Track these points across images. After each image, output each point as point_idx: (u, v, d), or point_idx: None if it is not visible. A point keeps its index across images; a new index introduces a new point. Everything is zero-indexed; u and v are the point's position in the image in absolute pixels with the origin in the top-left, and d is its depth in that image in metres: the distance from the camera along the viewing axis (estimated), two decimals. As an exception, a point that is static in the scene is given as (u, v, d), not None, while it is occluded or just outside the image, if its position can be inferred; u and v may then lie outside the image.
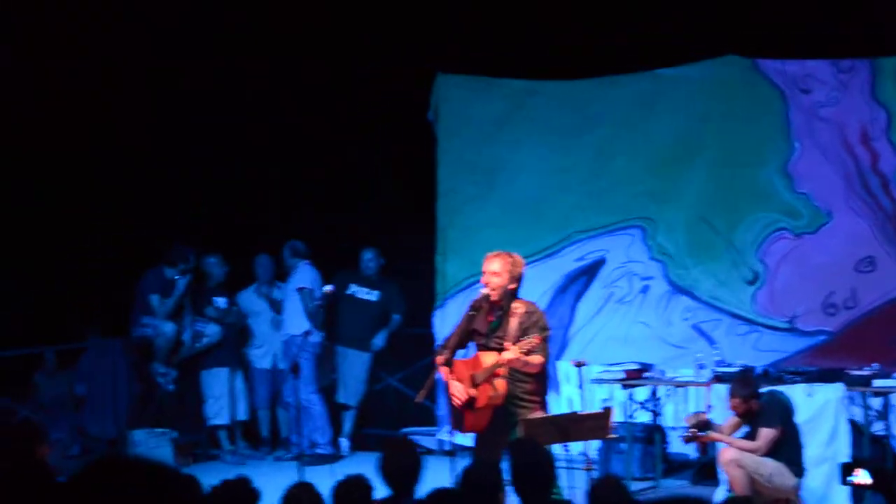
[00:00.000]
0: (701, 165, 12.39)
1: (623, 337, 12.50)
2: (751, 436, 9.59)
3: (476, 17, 12.83)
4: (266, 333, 13.19)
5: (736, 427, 9.78)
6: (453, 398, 8.72)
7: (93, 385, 12.89)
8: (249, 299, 13.27)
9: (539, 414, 8.58)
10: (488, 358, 8.53)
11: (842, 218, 11.97)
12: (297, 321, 12.68)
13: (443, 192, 13.22)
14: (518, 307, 8.65)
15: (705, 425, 9.68)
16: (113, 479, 2.61)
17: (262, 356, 13.22)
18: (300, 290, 12.72)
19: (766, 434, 9.41)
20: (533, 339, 8.32)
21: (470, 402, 8.59)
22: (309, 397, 12.59)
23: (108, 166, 13.57)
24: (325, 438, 12.72)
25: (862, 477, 8.91)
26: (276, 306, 13.12)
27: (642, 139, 12.64)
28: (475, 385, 8.55)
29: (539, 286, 12.60)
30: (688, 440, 9.82)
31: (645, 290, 12.57)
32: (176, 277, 12.68)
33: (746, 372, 10.57)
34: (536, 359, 8.48)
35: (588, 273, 12.83)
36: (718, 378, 10.58)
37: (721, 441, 9.63)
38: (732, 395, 9.60)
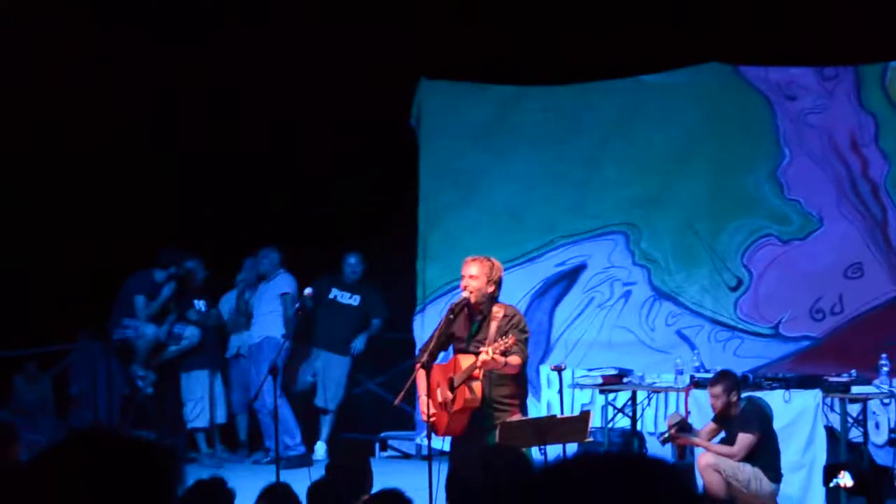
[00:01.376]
0: (689, 172, 12.41)
1: (606, 342, 12.52)
2: (728, 440, 9.57)
3: (459, 24, 12.80)
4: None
5: (714, 433, 9.77)
6: (422, 414, 8.75)
7: (86, 387, 12.89)
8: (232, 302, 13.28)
9: (517, 417, 8.56)
10: (466, 361, 8.51)
11: (833, 224, 12.00)
12: (274, 324, 12.66)
13: (424, 197, 13.23)
14: (498, 311, 8.65)
15: (684, 427, 9.65)
16: (89, 450, 2.58)
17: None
18: (283, 295, 12.73)
19: (744, 439, 9.39)
20: (508, 340, 8.30)
21: (446, 405, 8.57)
22: (277, 401, 12.56)
23: (85, 172, 13.56)
24: (295, 439, 12.69)
25: (845, 479, 8.91)
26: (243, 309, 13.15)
27: (629, 145, 12.66)
28: (453, 388, 8.53)
29: (519, 290, 12.59)
30: (665, 441, 9.80)
31: (626, 295, 12.57)
32: (164, 280, 12.70)
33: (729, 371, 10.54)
34: (514, 360, 8.45)
35: (568, 278, 12.83)
36: (696, 384, 10.55)
37: (698, 446, 9.61)
38: (713, 384, 9.58)
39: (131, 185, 13.69)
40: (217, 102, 13.47)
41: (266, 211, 13.66)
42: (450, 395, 8.56)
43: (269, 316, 12.79)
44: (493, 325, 8.56)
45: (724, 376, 9.71)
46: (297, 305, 12.20)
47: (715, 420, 9.67)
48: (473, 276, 8.67)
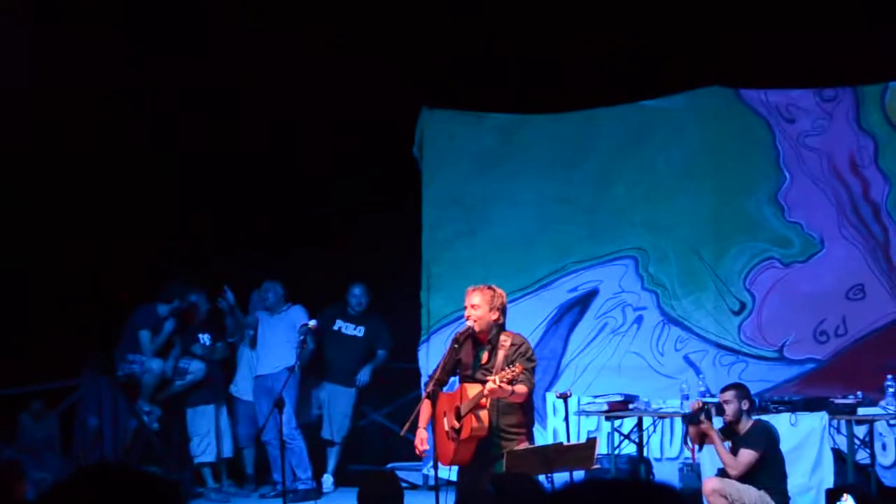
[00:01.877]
0: (691, 196, 12.42)
1: (616, 367, 12.52)
2: (732, 453, 9.54)
3: (459, 53, 12.83)
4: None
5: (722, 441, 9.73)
6: (416, 446, 8.79)
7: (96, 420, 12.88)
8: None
9: (524, 446, 8.56)
10: (473, 390, 8.53)
11: (834, 246, 12.01)
12: (285, 356, 12.61)
13: (427, 226, 13.23)
14: (506, 340, 8.68)
15: (709, 414, 9.59)
16: (98, 486, 2.59)
17: (247, 389, 13.21)
18: (303, 326, 12.72)
19: (746, 455, 9.35)
20: (515, 369, 8.33)
21: (455, 433, 8.58)
22: (291, 433, 12.54)
23: (86, 195, 13.58)
24: (307, 473, 12.67)
25: (847, 503, 8.89)
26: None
27: (636, 170, 12.70)
28: (459, 417, 8.54)
29: (533, 318, 12.62)
30: (688, 420, 9.67)
31: (639, 320, 12.58)
32: (167, 314, 12.71)
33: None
34: (521, 388, 8.48)
35: (581, 303, 12.84)
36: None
37: (711, 437, 9.50)
38: (725, 389, 9.61)
39: (131, 214, 13.69)
40: (216, 131, 13.45)
41: (270, 243, 13.65)
42: (457, 423, 8.57)
43: (284, 346, 12.70)
44: (501, 354, 8.59)
45: (736, 385, 9.78)
46: (300, 338, 12.21)
47: (723, 431, 9.63)
48: (476, 306, 8.71)
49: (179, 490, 4.76)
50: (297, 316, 12.76)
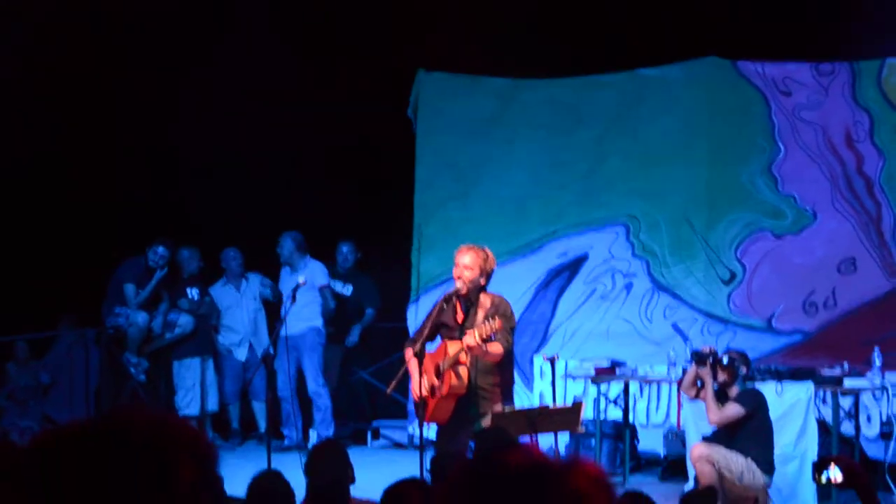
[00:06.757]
0: (685, 165, 12.43)
1: (604, 332, 12.55)
2: None
3: (456, 16, 12.80)
4: (243, 325, 13.16)
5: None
6: (413, 392, 8.72)
7: (63, 374, 12.87)
8: (220, 293, 13.23)
9: (501, 405, 8.54)
10: (453, 347, 8.49)
11: (827, 219, 12.04)
12: (311, 315, 12.60)
13: (420, 188, 13.22)
14: (485, 300, 8.62)
15: (716, 361, 9.51)
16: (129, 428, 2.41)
17: (239, 347, 13.19)
18: (322, 289, 12.69)
19: (733, 408, 9.28)
20: (494, 323, 8.26)
21: (433, 391, 8.55)
22: (318, 390, 12.62)
23: (80, 157, 13.53)
24: (329, 431, 12.65)
25: (834, 473, 8.88)
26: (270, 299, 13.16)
27: (631, 138, 12.69)
28: (439, 374, 8.51)
29: (522, 282, 12.63)
30: (696, 356, 9.60)
31: (628, 287, 12.60)
32: (154, 264, 12.69)
33: None
34: (496, 347, 8.41)
35: (571, 268, 12.85)
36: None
37: (705, 382, 9.43)
38: (730, 352, 9.60)
39: (124, 173, 13.66)
40: (207, 91, 13.42)
41: (262, 202, 13.62)
42: (436, 381, 8.54)
43: (304, 308, 12.54)
44: (480, 314, 8.53)
45: (740, 351, 9.76)
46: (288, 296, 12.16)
47: (716, 394, 9.55)
48: (468, 267, 8.62)
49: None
50: (312, 275, 12.63)
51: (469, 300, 8.64)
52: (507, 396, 8.71)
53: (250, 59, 13.38)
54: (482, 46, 12.89)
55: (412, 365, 8.75)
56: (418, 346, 8.67)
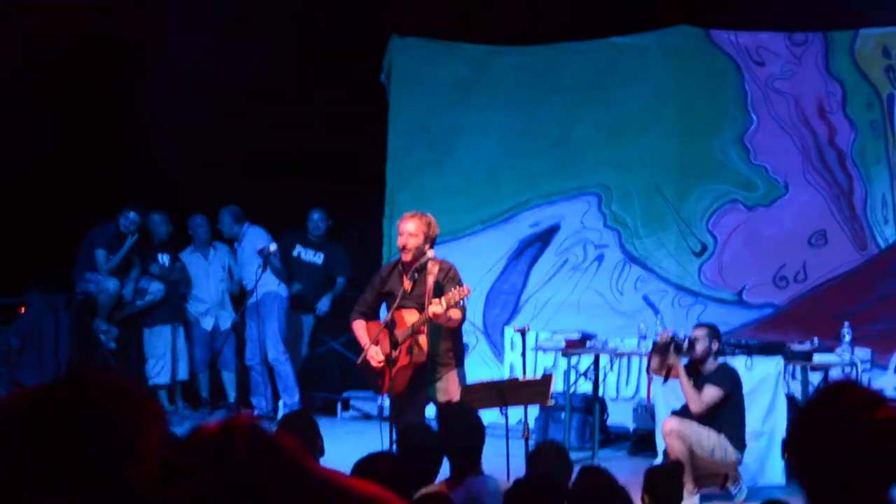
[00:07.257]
0: (657, 135, 12.40)
1: (575, 304, 12.54)
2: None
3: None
4: (210, 294, 13.12)
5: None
6: (371, 360, 8.67)
7: (33, 340, 12.80)
8: (188, 261, 13.17)
9: (455, 372, 8.54)
10: (410, 316, 8.45)
11: (798, 191, 12.03)
12: (265, 281, 12.52)
13: (393, 156, 13.16)
14: (433, 266, 8.55)
15: (678, 347, 9.47)
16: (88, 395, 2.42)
17: (206, 317, 13.15)
18: (261, 251, 12.62)
19: (712, 392, 9.26)
20: (463, 290, 8.26)
21: (389, 360, 8.50)
22: (279, 357, 12.56)
23: (52, 122, 13.41)
24: (294, 398, 12.63)
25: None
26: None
27: (603, 107, 12.65)
28: (396, 344, 8.47)
29: (495, 251, 12.62)
30: (657, 348, 9.56)
31: (600, 258, 12.59)
32: (125, 230, 12.61)
33: None
34: (456, 313, 8.42)
35: (542, 239, 12.83)
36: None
37: (676, 370, 9.41)
38: (699, 326, 9.58)
39: (100, 139, 13.55)
40: (179, 59, 13.27)
41: (232, 169, 13.53)
42: (394, 352, 8.50)
43: (253, 274, 12.48)
44: (430, 280, 8.47)
45: (710, 325, 9.70)
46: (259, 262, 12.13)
47: (686, 369, 9.51)
48: (412, 234, 8.57)
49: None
50: (251, 241, 12.68)
51: (415, 268, 8.61)
52: (460, 361, 8.71)
53: (219, 24, 13.25)
54: (457, 12, 12.82)
55: (359, 329, 8.77)
56: (365, 317, 8.73)
